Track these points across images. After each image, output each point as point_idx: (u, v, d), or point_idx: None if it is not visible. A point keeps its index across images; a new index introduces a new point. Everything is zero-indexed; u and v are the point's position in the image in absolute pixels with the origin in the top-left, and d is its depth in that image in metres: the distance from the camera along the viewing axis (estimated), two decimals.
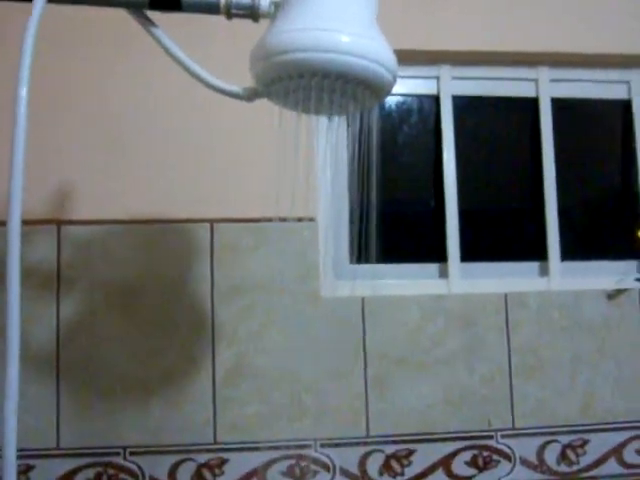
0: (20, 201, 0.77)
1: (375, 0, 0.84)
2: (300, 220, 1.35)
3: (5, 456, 0.75)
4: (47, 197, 1.34)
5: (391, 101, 1.58)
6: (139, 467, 1.30)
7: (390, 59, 0.83)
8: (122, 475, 1.30)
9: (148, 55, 1.33)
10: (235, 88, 0.90)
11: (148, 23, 0.89)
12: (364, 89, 0.83)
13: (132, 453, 1.30)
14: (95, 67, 1.39)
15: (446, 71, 1.56)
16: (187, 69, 0.90)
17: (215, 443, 1.32)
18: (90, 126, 1.37)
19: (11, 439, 0.75)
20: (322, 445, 1.35)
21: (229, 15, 0.86)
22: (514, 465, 1.40)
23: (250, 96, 0.89)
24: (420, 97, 1.58)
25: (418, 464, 1.38)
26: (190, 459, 1.32)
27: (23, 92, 0.77)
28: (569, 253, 1.56)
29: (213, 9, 0.86)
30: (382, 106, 1.56)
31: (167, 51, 0.89)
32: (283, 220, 1.29)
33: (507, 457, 1.40)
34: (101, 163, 1.36)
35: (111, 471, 1.30)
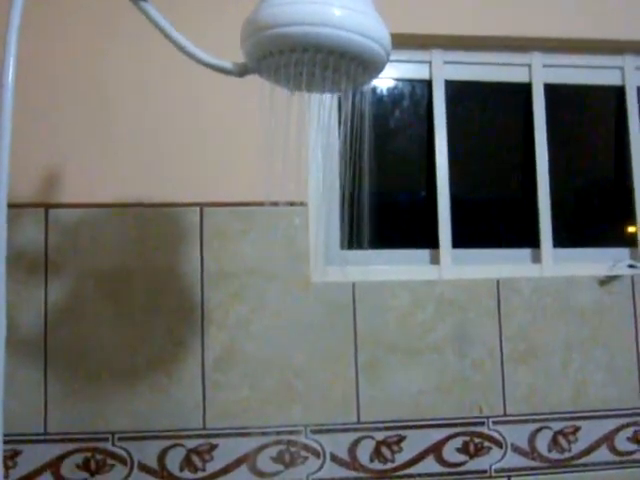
0: (6, 181, 0.75)
1: None
2: (291, 204, 1.34)
3: None
4: (35, 180, 1.33)
5: (383, 86, 1.56)
6: (128, 452, 1.29)
7: (383, 35, 0.82)
8: (110, 461, 1.29)
9: (139, 37, 1.33)
10: (225, 63, 0.88)
11: None
12: (357, 65, 0.82)
13: (120, 439, 1.29)
14: (85, 48, 1.37)
15: (438, 55, 1.54)
16: (177, 44, 0.88)
17: (204, 429, 1.31)
18: (79, 109, 1.36)
19: None
20: (312, 431, 1.34)
21: None
22: (505, 452, 1.40)
23: (241, 71, 0.88)
24: (412, 82, 1.57)
25: (409, 450, 1.37)
26: (179, 445, 1.30)
27: (9, 74, 0.76)
28: (561, 240, 1.55)
29: None
30: (374, 91, 1.55)
31: (157, 26, 0.88)
32: (274, 204, 1.28)
33: (498, 444, 1.40)
34: (90, 146, 1.35)
35: (99, 456, 1.28)
